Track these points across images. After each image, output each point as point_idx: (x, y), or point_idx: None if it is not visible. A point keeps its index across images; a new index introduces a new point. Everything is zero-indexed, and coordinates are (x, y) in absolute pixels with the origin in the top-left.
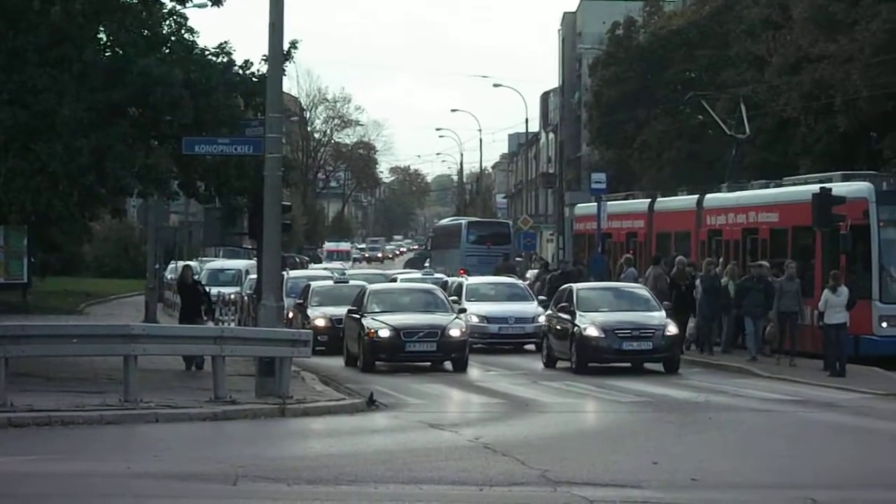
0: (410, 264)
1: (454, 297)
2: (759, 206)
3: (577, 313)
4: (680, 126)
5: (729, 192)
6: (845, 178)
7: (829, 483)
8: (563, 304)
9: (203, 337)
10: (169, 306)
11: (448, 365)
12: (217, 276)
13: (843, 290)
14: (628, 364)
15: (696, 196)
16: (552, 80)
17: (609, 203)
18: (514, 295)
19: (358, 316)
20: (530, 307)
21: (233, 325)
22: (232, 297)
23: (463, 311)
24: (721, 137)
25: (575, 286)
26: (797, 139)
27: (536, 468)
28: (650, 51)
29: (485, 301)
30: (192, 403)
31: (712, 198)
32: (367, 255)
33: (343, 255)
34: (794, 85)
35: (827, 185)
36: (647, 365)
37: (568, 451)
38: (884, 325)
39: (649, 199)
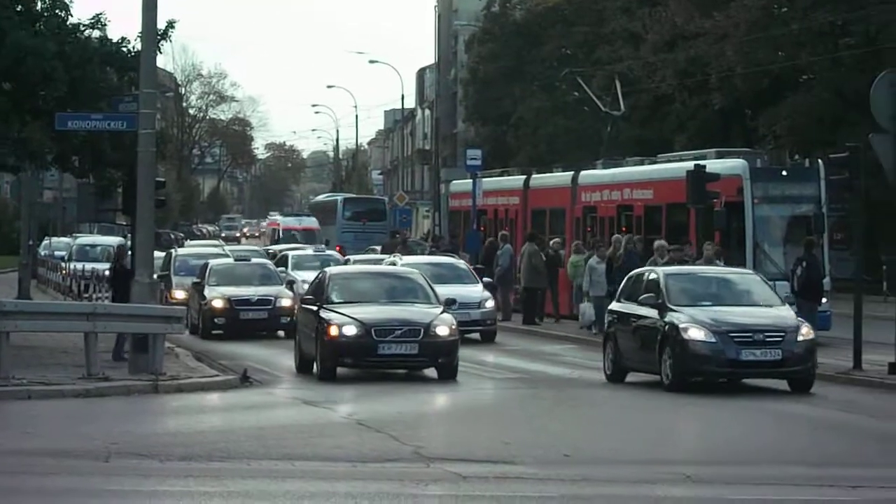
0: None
1: None
2: (634, 183)
3: (671, 308)
4: (556, 103)
5: (604, 168)
6: (720, 155)
7: (703, 459)
8: (647, 294)
9: (76, 314)
10: (43, 283)
11: (432, 372)
12: (87, 252)
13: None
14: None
15: (571, 173)
16: (428, 57)
17: (484, 180)
18: (454, 276)
19: (315, 307)
20: (475, 290)
21: (106, 301)
22: (106, 273)
23: (452, 302)
24: (597, 114)
25: (661, 270)
26: (672, 116)
27: (410, 444)
28: (526, 27)
29: (444, 282)
30: (65, 380)
31: (587, 174)
32: (223, 235)
33: (309, 236)
34: (669, 62)
35: (701, 162)
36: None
37: (442, 428)
38: None
39: (524, 176)
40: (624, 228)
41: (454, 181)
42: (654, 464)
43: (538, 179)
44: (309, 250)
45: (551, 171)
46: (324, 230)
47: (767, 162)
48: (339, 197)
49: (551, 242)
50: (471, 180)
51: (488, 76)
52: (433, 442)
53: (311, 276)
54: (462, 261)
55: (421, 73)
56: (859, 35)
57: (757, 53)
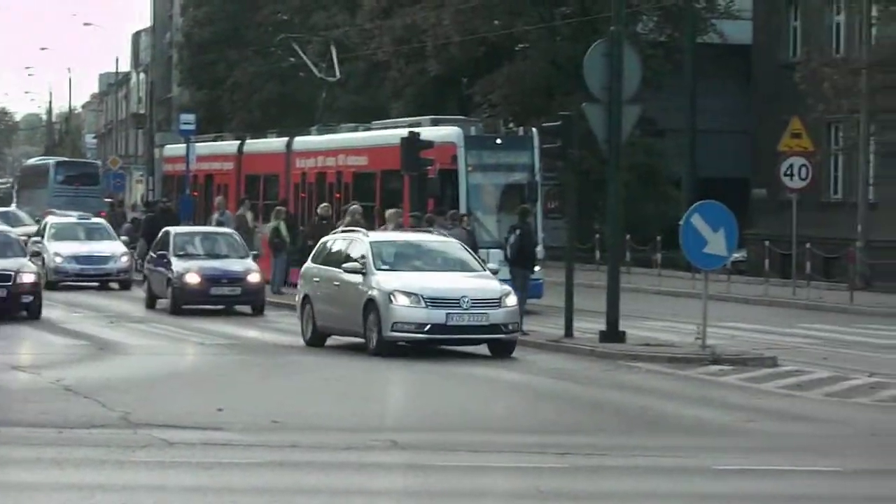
0: None
1: (354, 263)
2: (349, 150)
3: None
4: (271, 68)
5: (319, 135)
6: (435, 123)
7: (412, 426)
8: None
9: None
10: None
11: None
12: None
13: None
14: None
15: (286, 139)
16: (144, 20)
17: (198, 145)
18: (451, 260)
19: None
20: (489, 282)
21: None
22: None
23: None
24: (313, 80)
25: None
26: (388, 83)
27: (117, 410)
28: None
29: (408, 269)
30: None
31: (302, 141)
32: None
33: None
34: (385, 29)
35: (416, 130)
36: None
37: (151, 394)
38: None
39: (238, 141)
40: (338, 195)
41: (168, 146)
42: (362, 430)
43: (252, 145)
44: (72, 217)
45: (266, 137)
46: (35, 194)
47: (482, 130)
48: (52, 160)
49: (319, 208)
50: (185, 145)
51: (203, 40)
52: (141, 408)
53: (70, 248)
54: (456, 239)
55: (136, 37)
56: (575, 4)
57: (473, 22)
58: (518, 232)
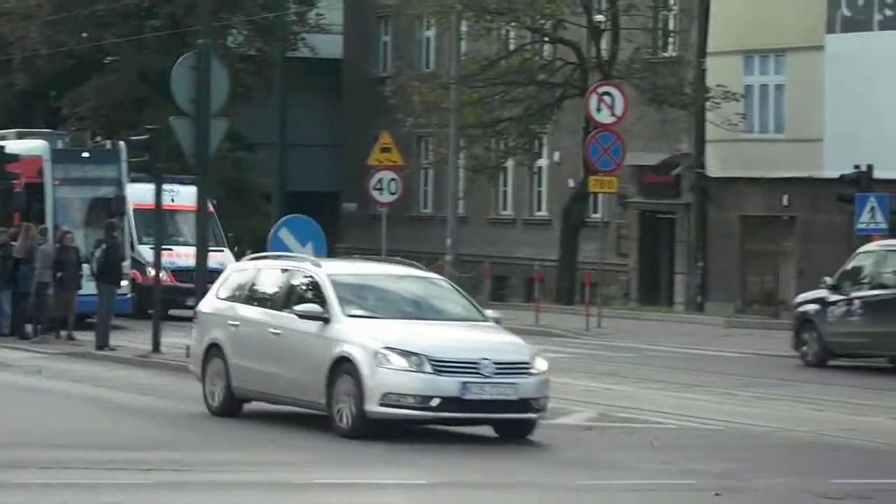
0: None
1: (312, 305)
2: None
3: None
4: None
5: None
6: (21, 136)
7: None
8: None
9: None
10: None
11: None
12: None
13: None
14: None
15: None
16: None
17: None
18: (445, 306)
19: None
20: (511, 339)
21: None
22: None
23: None
24: None
25: None
26: None
27: None
28: None
29: (393, 317)
30: None
31: None
32: None
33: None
34: None
35: (1, 143)
36: None
37: None
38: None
39: None
40: None
41: None
42: None
43: None
44: None
45: None
46: None
47: (69, 143)
48: None
49: None
50: None
51: None
52: None
53: None
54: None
55: None
56: (165, 17)
57: (62, 34)
58: (104, 246)
